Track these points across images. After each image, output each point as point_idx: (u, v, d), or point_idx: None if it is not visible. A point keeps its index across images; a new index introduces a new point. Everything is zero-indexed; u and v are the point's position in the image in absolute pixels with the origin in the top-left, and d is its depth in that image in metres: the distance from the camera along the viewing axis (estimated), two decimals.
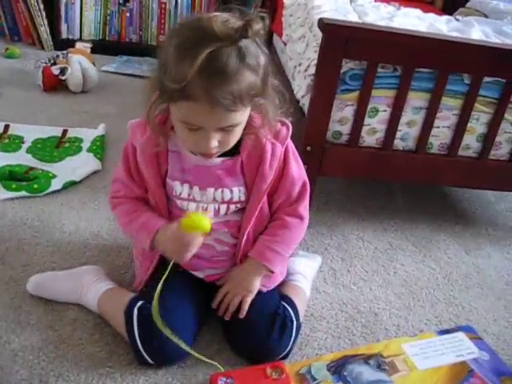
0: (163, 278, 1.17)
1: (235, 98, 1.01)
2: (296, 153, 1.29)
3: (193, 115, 1.05)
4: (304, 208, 1.31)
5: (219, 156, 1.19)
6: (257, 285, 1.30)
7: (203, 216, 1.13)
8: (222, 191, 1.23)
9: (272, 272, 1.30)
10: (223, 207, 1.25)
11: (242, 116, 1.09)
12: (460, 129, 1.68)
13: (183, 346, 1.17)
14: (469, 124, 1.68)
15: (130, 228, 1.27)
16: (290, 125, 1.25)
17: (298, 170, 1.28)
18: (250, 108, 1.11)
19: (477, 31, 1.84)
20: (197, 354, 1.18)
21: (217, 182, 1.22)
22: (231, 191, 1.23)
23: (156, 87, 1.09)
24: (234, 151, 1.20)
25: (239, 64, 1.00)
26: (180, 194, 1.23)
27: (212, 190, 1.22)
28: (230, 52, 0.99)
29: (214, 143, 1.08)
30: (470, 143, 1.73)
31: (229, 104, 1.01)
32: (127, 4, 3.31)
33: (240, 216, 1.28)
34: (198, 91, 1.00)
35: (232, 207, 1.26)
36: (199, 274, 1.32)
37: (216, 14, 1.02)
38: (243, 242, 1.28)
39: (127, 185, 1.28)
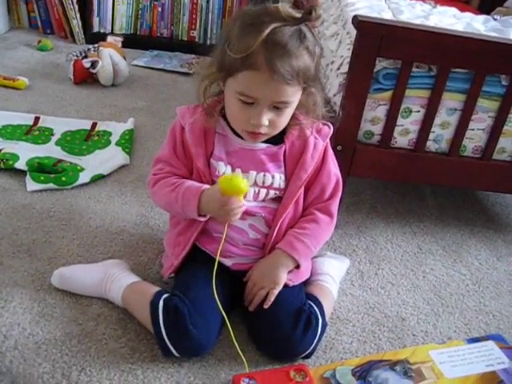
0: (214, 277, 1.18)
1: (293, 72, 1.10)
2: (333, 153, 1.34)
3: (252, 85, 1.12)
4: (335, 207, 1.35)
5: (264, 142, 1.26)
6: (283, 277, 1.29)
7: (239, 177, 1.15)
8: (264, 175, 1.27)
9: (298, 266, 1.30)
10: (263, 191, 1.28)
11: (294, 95, 1.16)
12: (495, 131, 1.64)
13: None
14: (505, 127, 1.64)
15: (174, 195, 1.25)
16: (331, 125, 1.32)
17: (334, 168, 1.34)
18: (300, 92, 1.18)
19: None
20: (234, 338, 1.19)
21: (259, 166, 1.27)
22: (273, 176, 1.28)
23: (213, 66, 1.19)
24: (278, 140, 1.27)
25: (300, 43, 1.11)
26: (223, 174, 1.26)
27: (254, 173, 1.27)
28: (292, 31, 1.10)
29: (265, 121, 1.16)
30: (506, 146, 1.68)
31: (287, 75, 1.09)
32: None
33: (277, 205, 1.31)
34: (261, 60, 1.09)
35: (271, 193, 1.29)
36: (226, 262, 1.32)
37: (282, 3, 1.13)
38: (276, 230, 1.30)
39: (171, 164, 1.30)
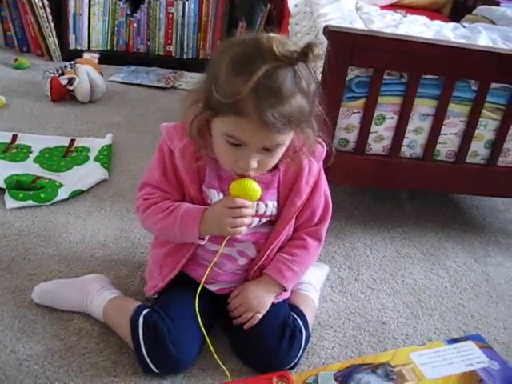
0: (196, 302, 1.17)
1: (285, 120, 1.00)
2: (323, 173, 1.29)
3: (239, 130, 1.03)
4: (324, 230, 1.34)
5: None
6: (270, 302, 1.29)
7: (252, 181, 1.11)
8: (258, 204, 1.22)
9: (286, 290, 1.31)
10: (255, 220, 1.24)
11: (286, 138, 1.09)
12: (467, 136, 1.67)
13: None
14: (476, 131, 1.67)
15: (170, 219, 1.18)
16: (324, 144, 1.24)
17: (326, 191, 1.30)
18: (293, 133, 1.10)
19: (484, 37, 1.84)
20: (215, 354, 1.19)
21: None
22: (266, 205, 1.24)
23: (199, 100, 1.09)
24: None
25: (294, 86, 1.00)
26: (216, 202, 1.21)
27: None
28: (286, 73, 0.99)
29: (254, 164, 1.07)
30: (478, 150, 1.72)
31: (278, 125, 1.00)
32: (135, 15, 3.32)
33: (267, 228, 1.29)
34: (250, 108, 0.99)
35: (263, 220, 1.26)
36: (211, 288, 1.31)
37: (274, 35, 1.02)
38: (266, 255, 1.28)
39: (163, 189, 1.23)
